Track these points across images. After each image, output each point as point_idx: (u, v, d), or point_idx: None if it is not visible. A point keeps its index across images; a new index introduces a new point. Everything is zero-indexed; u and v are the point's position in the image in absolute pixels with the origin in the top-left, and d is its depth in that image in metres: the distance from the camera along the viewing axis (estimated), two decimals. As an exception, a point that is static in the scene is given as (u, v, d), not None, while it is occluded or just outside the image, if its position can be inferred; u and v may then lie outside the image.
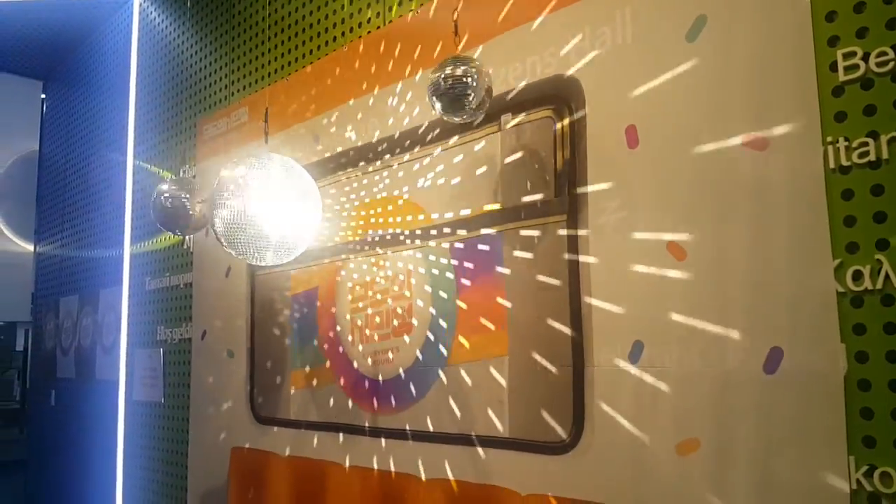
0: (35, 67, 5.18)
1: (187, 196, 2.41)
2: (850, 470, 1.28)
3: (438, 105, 1.70)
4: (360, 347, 2.35)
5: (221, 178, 2.00)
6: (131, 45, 4.01)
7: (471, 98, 1.67)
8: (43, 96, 5.41)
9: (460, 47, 2.01)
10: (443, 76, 1.67)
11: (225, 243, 2.01)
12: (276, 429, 2.69)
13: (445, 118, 1.75)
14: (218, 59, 3.29)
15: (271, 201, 1.96)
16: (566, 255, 1.76)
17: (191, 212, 2.41)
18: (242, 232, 1.96)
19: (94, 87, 4.55)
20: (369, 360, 2.31)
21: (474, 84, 1.66)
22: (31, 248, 5.53)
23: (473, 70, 1.67)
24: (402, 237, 2.24)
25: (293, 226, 2.00)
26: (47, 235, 5.09)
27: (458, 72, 1.66)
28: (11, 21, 4.47)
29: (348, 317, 2.41)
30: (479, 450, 1.93)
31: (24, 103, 5.50)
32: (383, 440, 2.23)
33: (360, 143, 2.43)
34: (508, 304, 1.90)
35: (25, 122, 5.56)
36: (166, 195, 2.41)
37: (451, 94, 1.67)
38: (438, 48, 2.15)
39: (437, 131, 2.14)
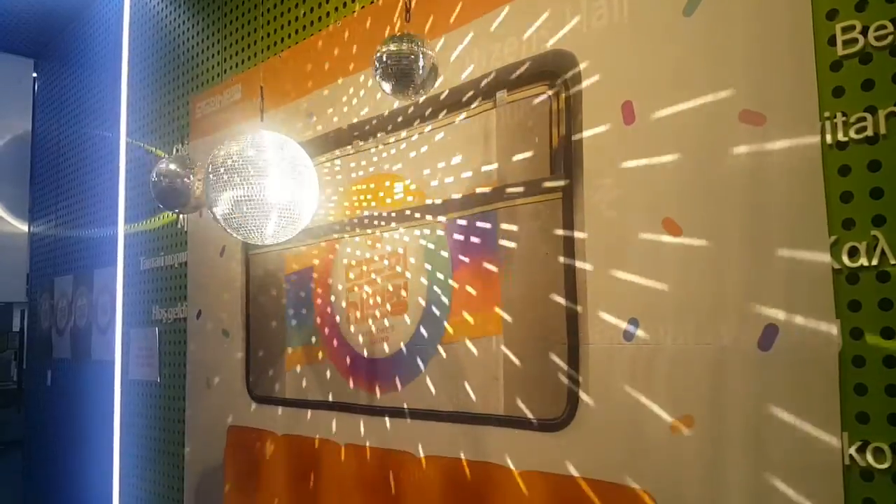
0: (26, 45, 5.12)
1: (187, 174, 2.39)
2: (843, 446, 1.28)
3: (384, 83, 1.69)
4: (356, 326, 2.35)
5: (216, 157, 1.98)
6: (123, 23, 3.96)
7: (416, 75, 1.66)
8: (34, 75, 5.35)
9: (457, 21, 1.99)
10: (386, 54, 1.66)
11: (223, 223, 1.99)
12: (272, 407, 2.70)
13: (392, 97, 1.74)
14: (210, 35, 3.25)
15: (268, 179, 1.94)
16: (561, 232, 1.75)
17: (191, 190, 2.39)
18: (239, 211, 1.94)
19: (86, 66, 4.50)
20: (365, 339, 2.31)
21: (419, 61, 1.65)
22: (25, 228, 5.50)
23: (417, 48, 1.66)
24: (396, 215, 2.23)
25: (291, 203, 1.98)
26: (41, 215, 5.06)
27: (403, 49, 1.66)
28: (1, -2, 4.42)
29: (343, 296, 2.40)
30: (475, 427, 1.94)
31: (16, 82, 5.43)
32: (379, 418, 2.24)
33: (354, 121, 2.41)
34: (503, 283, 1.89)
35: (17, 101, 5.50)
36: (166, 173, 2.39)
37: (396, 72, 1.66)
38: (429, 22, 2.13)
39: (432, 108, 2.12)
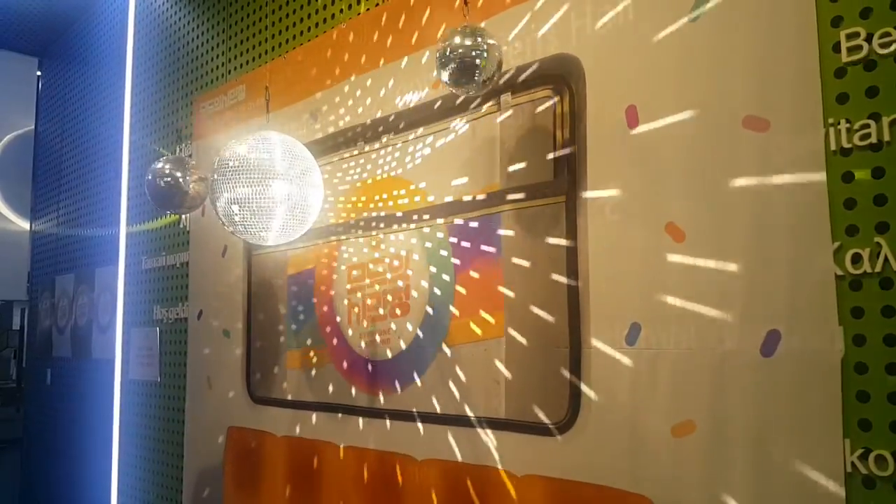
0: (30, 44, 5.13)
1: (182, 174, 2.39)
2: (845, 453, 1.28)
3: (446, 76, 1.64)
4: (357, 328, 2.34)
5: (223, 157, 1.98)
6: (128, 22, 3.97)
7: (480, 70, 1.60)
8: (39, 73, 5.36)
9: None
10: (451, 46, 1.61)
11: (227, 223, 1.99)
12: (272, 409, 2.69)
13: (452, 90, 1.70)
14: (215, 36, 3.26)
15: (274, 180, 1.94)
16: (564, 236, 1.75)
17: (186, 190, 2.39)
18: (245, 211, 1.94)
19: (90, 65, 4.51)
20: (366, 341, 2.31)
21: (484, 55, 1.60)
22: (27, 226, 5.50)
23: (483, 41, 1.61)
24: (399, 218, 2.23)
25: (296, 205, 1.98)
26: (43, 214, 5.06)
27: (468, 42, 1.60)
28: (6, -3, 4.43)
29: (345, 297, 2.40)
30: (476, 431, 1.94)
31: (20, 80, 5.44)
32: (379, 420, 2.23)
33: (358, 123, 2.41)
34: (505, 286, 1.89)
35: (21, 99, 5.52)
36: (161, 174, 2.39)
37: (460, 66, 1.60)
38: (441, 25, 2.13)
39: (437, 110, 2.12)
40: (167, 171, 2.38)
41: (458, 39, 1.61)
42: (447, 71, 1.63)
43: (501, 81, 1.92)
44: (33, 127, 5.40)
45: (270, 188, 1.93)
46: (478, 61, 1.60)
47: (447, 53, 1.62)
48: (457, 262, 2.03)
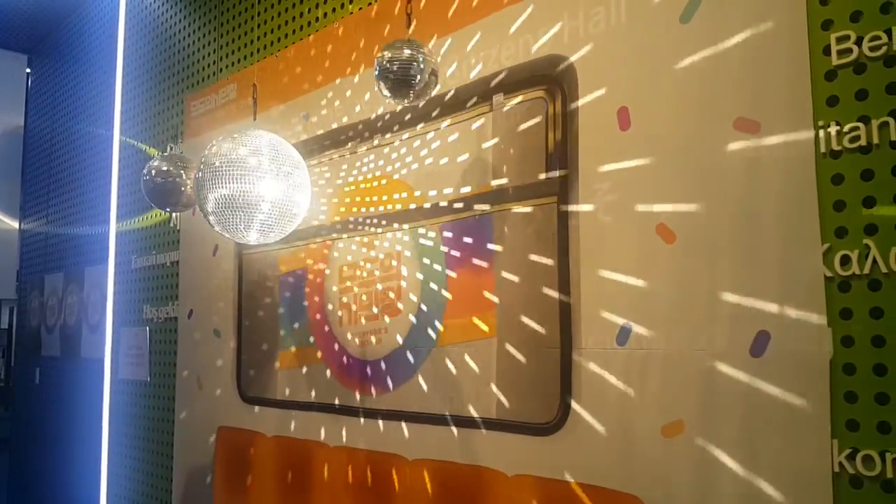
0: (20, 41, 5.09)
1: (179, 172, 2.38)
2: (833, 453, 1.29)
3: (384, 88, 1.72)
4: (348, 328, 2.34)
5: (207, 155, 1.97)
6: (119, 20, 3.95)
7: (415, 81, 1.68)
8: (28, 70, 5.33)
9: (458, 26, 1.99)
10: (387, 59, 1.68)
11: (212, 221, 1.98)
12: (262, 408, 2.69)
13: (391, 100, 1.76)
14: (206, 34, 3.25)
15: (258, 179, 1.93)
16: (556, 237, 1.76)
17: (182, 188, 2.38)
18: (229, 210, 1.93)
19: (80, 62, 4.48)
20: (357, 341, 2.30)
21: (420, 67, 1.67)
22: (15, 224, 5.47)
23: (418, 54, 1.68)
24: (391, 218, 2.23)
25: (280, 204, 1.98)
26: (33, 212, 5.03)
27: (405, 55, 1.67)
28: (-5, -7, 4.40)
29: (337, 297, 2.40)
30: (467, 430, 1.94)
31: (9, 78, 5.41)
32: (370, 420, 2.23)
33: (350, 122, 2.41)
34: (496, 286, 1.89)
35: (10, 96, 5.48)
36: (157, 171, 2.38)
37: (396, 78, 1.68)
38: (431, 23, 2.13)
39: (429, 112, 2.12)
40: (163, 170, 2.37)
41: (394, 52, 1.69)
42: (384, 83, 1.71)
43: (500, 78, 1.93)
44: (22, 124, 5.37)
45: (253, 186, 1.92)
46: (412, 72, 1.68)
47: (383, 66, 1.69)
48: (448, 263, 2.03)
